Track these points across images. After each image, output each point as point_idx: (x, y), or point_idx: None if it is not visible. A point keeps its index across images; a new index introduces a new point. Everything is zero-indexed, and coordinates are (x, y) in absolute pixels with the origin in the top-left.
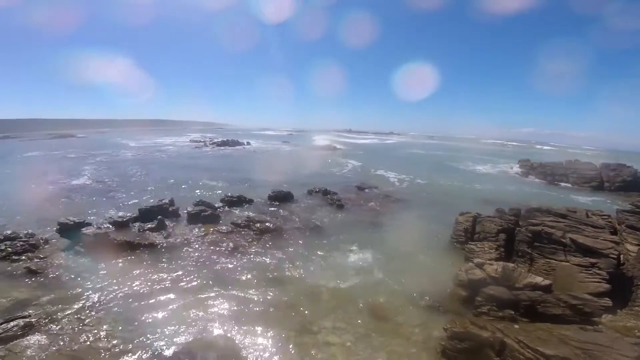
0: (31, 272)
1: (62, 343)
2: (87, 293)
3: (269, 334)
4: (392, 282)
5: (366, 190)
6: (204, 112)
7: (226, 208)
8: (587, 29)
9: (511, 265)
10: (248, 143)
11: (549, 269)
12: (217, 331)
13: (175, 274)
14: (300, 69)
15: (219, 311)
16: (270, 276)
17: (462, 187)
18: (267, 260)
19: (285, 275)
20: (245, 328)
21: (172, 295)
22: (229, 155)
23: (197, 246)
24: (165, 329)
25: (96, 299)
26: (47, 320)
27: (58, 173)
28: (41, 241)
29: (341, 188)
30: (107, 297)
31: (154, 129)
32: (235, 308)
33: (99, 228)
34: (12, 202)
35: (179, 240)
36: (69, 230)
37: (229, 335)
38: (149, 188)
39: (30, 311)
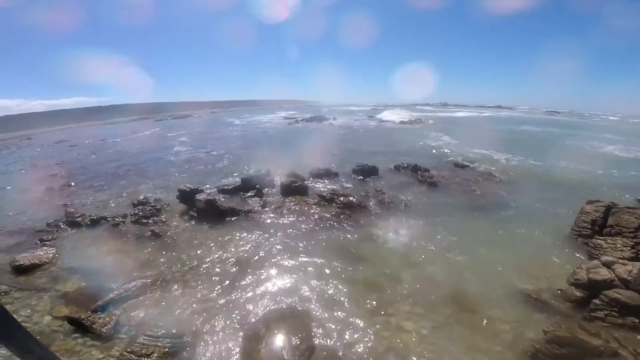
0: (155, 235)
1: (169, 304)
2: (197, 255)
3: (340, 310)
4: (489, 273)
5: (464, 169)
6: (293, 90)
7: (314, 180)
8: None
9: None
10: (334, 119)
11: None
12: (294, 299)
13: (268, 240)
14: (390, 36)
15: (301, 280)
16: (351, 251)
17: (590, 171)
18: (349, 235)
19: (366, 252)
20: (319, 300)
21: (264, 260)
22: (317, 130)
23: (287, 215)
24: (255, 292)
25: (203, 261)
26: (160, 282)
27: (179, 146)
28: (165, 206)
29: (433, 165)
30: (212, 259)
31: (253, 108)
32: (314, 279)
33: (209, 195)
34: (144, 171)
35: (272, 208)
36: (187, 196)
37: (303, 305)
38: (252, 159)
39: (148, 272)
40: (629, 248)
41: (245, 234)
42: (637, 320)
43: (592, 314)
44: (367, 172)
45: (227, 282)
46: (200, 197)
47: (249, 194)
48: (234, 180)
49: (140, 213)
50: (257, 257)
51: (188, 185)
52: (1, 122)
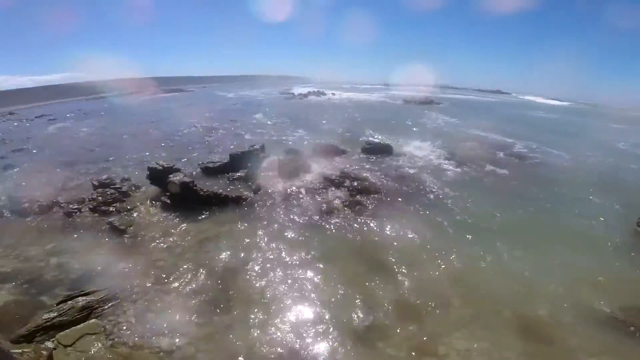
0: (114, 229)
1: (119, 334)
2: (165, 263)
3: (369, 350)
4: (557, 289)
5: (496, 153)
6: (279, 66)
7: (317, 158)
8: None
9: None
10: (333, 94)
11: None
12: (300, 333)
13: (261, 242)
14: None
15: (309, 303)
16: (373, 259)
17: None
18: (370, 234)
19: (393, 260)
20: (337, 336)
21: (256, 275)
22: (317, 105)
23: (285, 204)
24: (243, 319)
25: (172, 274)
26: (112, 302)
27: (165, 120)
28: (133, 188)
29: (452, 144)
30: (184, 270)
31: (241, 83)
32: (328, 302)
33: (188, 175)
34: (120, 146)
35: (267, 194)
36: (159, 177)
37: (314, 345)
38: (244, 134)
39: (98, 286)
40: None
41: (232, 233)
42: None
43: None
44: (379, 150)
45: (204, 310)
46: (175, 178)
47: (238, 174)
48: (222, 157)
49: (100, 198)
50: (247, 270)
51: (161, 163)
52: None
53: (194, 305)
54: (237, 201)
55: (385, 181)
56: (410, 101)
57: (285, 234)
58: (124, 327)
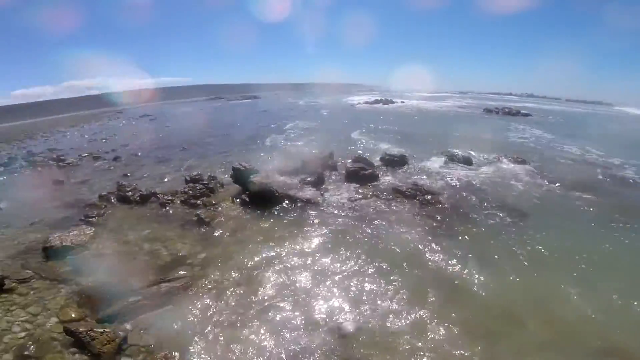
0: (200, 221)
1: (192, 324)
2: (238, 256)
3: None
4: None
5: (596, 175)
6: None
7: (385, 168)
8: None
9: None
10: (402, 102)
11: None
12: (354, 344)
13: (326, 244)
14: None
15: (372, 316)
16: (447, 277)
17: None
18: (442, 251)
19: (466, 279)
20: (400, 342)
21: (321, 273)
22: (385, 113)
23: (352, 211)
24: (305, 318)
25: (244, 266)
26: (190, 289)
27: (242, 122)
28: (218, 186)
29: (542, 162)
30: (253, 264)
31: (309, 90)
32: (392, 316)
33: (264, 176)
34: (210, 145)
35: (334, 199)
36: (241, 176)
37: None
38: (315, 140)
39: (181, 273)
40: None
41: (300, 233)
42: None
43: None
44: (457, 163)
45: (268, 305)
46: (255, 178)
47: (309, 178)
48: (294, 160)
49: (191, 192)
50: (312, 271)
51: (244, 164)
52: (102, 97)
53: (260, 299)
54: (307, 203)
55: (461, 197)
56: (491, 111)
57: (350, 240)
58: (194, 315)
